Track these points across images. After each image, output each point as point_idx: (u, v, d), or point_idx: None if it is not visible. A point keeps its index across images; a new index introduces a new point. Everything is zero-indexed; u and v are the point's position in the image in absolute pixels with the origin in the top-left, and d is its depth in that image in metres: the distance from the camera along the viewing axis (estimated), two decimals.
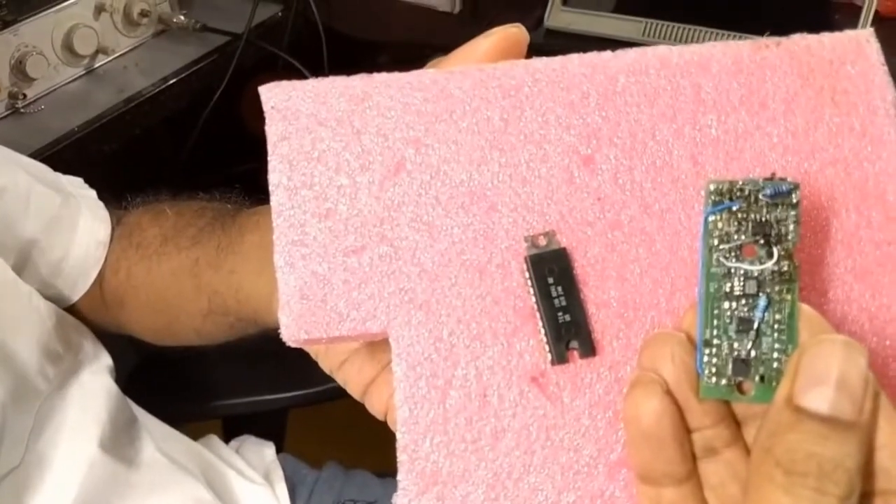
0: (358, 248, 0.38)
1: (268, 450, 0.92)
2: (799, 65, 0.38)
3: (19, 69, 1.04)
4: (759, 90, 0.38)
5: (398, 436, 0.36)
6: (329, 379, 1.02)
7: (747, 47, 0.38)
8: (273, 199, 0.39)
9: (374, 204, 0.38)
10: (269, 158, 0.39)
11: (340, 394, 1.02)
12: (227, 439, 0.91)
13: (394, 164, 0.38)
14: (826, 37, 0.38)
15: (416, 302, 0.37)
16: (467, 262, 0.37)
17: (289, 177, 0.38)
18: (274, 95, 0.39)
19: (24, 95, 1.05)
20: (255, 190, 0.73)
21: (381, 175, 0.38)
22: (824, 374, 0.30)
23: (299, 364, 0.99)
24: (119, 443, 0.74)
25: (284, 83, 0.40)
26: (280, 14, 1.26)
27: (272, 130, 0.39)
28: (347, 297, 0.37)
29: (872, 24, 1.03)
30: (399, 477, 0.36)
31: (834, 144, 0.37)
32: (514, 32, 0.41)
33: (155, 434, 0.79)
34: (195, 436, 0.85)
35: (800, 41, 0.38)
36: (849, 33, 0.38)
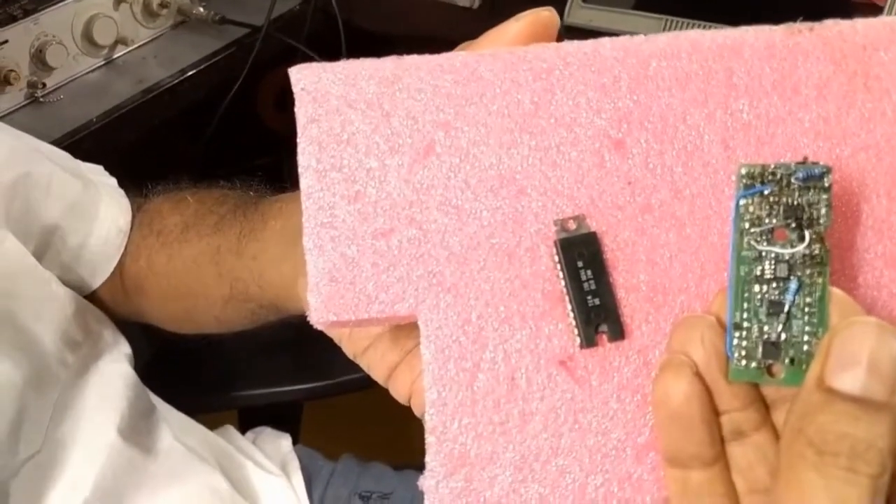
0: (387, 231, 0.38)
1: (284, 441, 0.92)
2: (832, 50, 0.37)
3: (39, 58, 1.04)
4: (791, 75, 0.37)
5: (426, 417, 0.36)
6: (345, 371, 1.02)
7: (780, 32, 0.38)
8: (302, 181, 0.38)
9: (404, 187, 0.38)
10: (298, 140, 0.39)
11: (356, 386, 1.03)
12: (242, 431, 0.91)
13: (423, 147, 0.38)
14: (859, 22, 0.38)
15: (444, 285, 0.37)
16: (496, 245, 0.37)
17: (318, 159, 0.38)
18: (304, 77, 0.39)
19: (44, 85, 1.05)
20: (274, 180, 0.74)
21: (411, 158, 0.38)
22: (856, 356, 0.30)
23: (315, 356, 1.00)
24: (137, 430, 0.74)
25: (314, 65, 0.39)
26: (299, 7, 1.26)
27: (301, 112, 0.39)
28: (376, 280, 0.37)
29: None
30: (427, 458, 0.36)
31: (866, 130, 0.37)
32: (545, 16, 0.41)
33: (173, 423, 0.79)
34: (211, 426, 0.85)
35: (833, 27, 0.38)
36: (883, 19, 0.38)
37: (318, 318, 0.38)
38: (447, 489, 0.36)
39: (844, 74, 0.37)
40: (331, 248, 0.38)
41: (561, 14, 1.14)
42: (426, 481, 0.36)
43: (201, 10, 1.20)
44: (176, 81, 1.12)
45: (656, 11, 1.13)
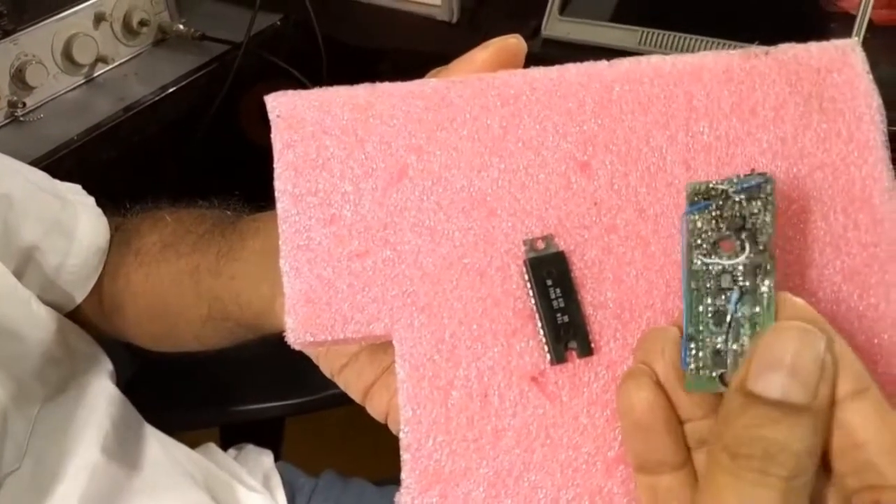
0: (362, 253, 0.39)
1: (266, 458, 0.92)
2: (787, 73, 0.39)
3: (19, 78, 1.04)
4: (749, 98, 0.39)
5: (401, 435, 0.37)
6: (326, 387, 1.02)
7: (737, 56, 0.39)
8: (279, 205, 0.39)
9: (378, 209, 0.39)
10: (275, 166, 0.40)
11: (337, 402, 1.03)
12: (224, 447, 0.91)
13: (396, 171, 0.39)
14: (813, 46, 0.39)
15: (418, 304, 0.38)
16: (468, 265, 0.38)
17: (294, 184, 0.39)
18: (280, 104, 0.40)
19: (24, 104, 1.05)
20: (254, 198, 0.74)
21: (385, 181, 0.39)
22: (777, 360, 0.31)
23: (296, 372, 1.00)
24: (122, 447, 0.74)
25: (290, 92, 0.41)
26: (279, 23, 1.27)
27: (278, 139, 0.40)
28: (352, 301, 0.38)
29: (867, 33, 1.03)
30: (402, 475, 0.37)
31: (822, 149, 0.38)
32: (512, 43, 0.43)
33: (157, 440, 0.79)
34: (192, 445, 0.85)
35: (787, 50, 0.39)
36: (835, 42, 0.39)
37: (296, 338, 0.38)
38: None
39: (800, 96, 0.39)
40: (307, 270, 0.39)
41: (538, 27, 1.16)
42: (402, 498, 0.37)
43: (181, 27, 1.20)
44: (157, 98, 1.12)
45: (633, 24, 1.13)
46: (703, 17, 1.12)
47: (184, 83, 1.16)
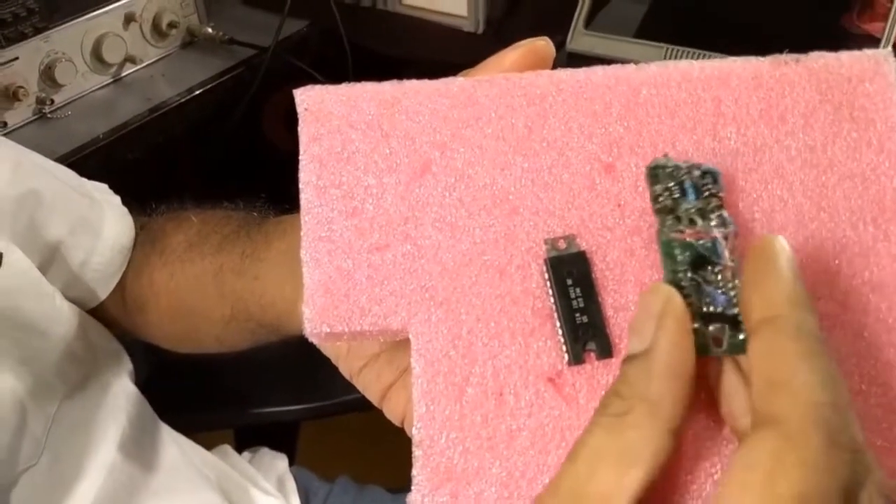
0: (382, 246, 0.39)
1: (281, 462, 0.92)
2: (818, 81, 0.39)
3: (48, 75, 1.05)
4: (778, 104, 0.39)
5: (414, 431, 0.37)
6: (342, 392, 1.02)
7: (767, 63, 0.39)
8: (302, 196, 0.40)
9: (400, 204, 0.39)
10: (300, 158, 0.40)
11: (353, 407, 1.03)
12: (239, 450, 0.92)
13: (420, 166, 0.39)
14: (844, 55, 0.39)
15: (436, 299, 0.38)
16: (488, 262, 0.38)
17: (318, 175, 0.40)
18: (307, 98, 0.41)
19: (52, 101, 1.07)
20: (278, 201, 0.74)
21: (408, 176, 0.39)
22: (630, 326, 0.34)
23: (314, 376, 1.00)
24: (139, 446, 0.74)
25: (318, 87, 0.41)
26: (307, 29, 1.28)
27: (304, 131, 0.40)
28: (370, 293, 0.38)
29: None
30: (413, 472, 0.36)
31: (852, 159, 0.38)
32: (541, 46, 0.43)
33: (173, 440, 0.79)
34: (207, 447, 0.85)
35: (818, 59, 0.39)
36: (867, 52, 0.39)
37: (312, 328, 0.39)
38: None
39: (830, 104, 0.38)
40: (327, 261, 0.39)
41: (563, 40, 1.16)
42: (412, 495, 0.36)
43: (210, 30, 1.21)
44: (183, 100, 1.13)
45: (657, 40, 1.14)
46: (727, 35, 1.12)
47: (210, 86, 1.16)
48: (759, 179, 0.38)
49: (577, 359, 0.37)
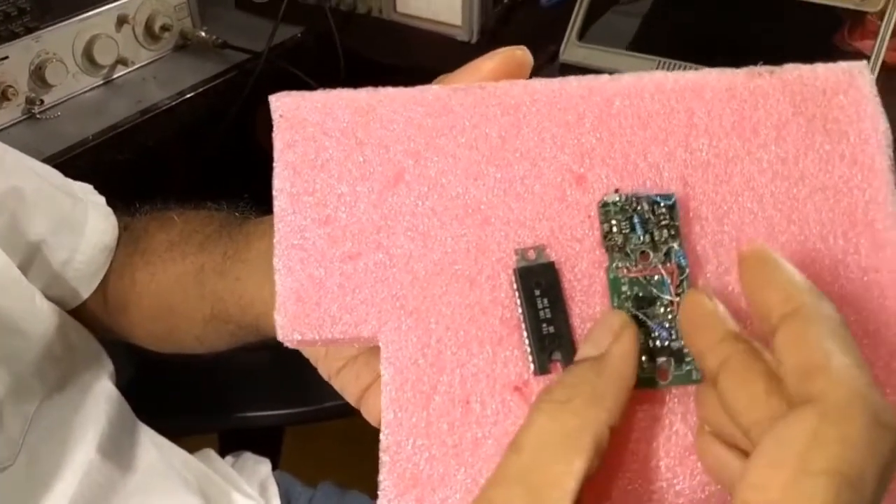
0: (354, 255, 0.39)
1: (263, 466, 0.92)
2: (791, 93, 0.39)
3: (38, 75, 1.05)
4: (751, 116, 0.39)
5: (381, 437, 0.37)
6: (326, 398, 1.01)
7: (741, 75, 0.40)
8: (276, 203, 0.40)
9: (373, 212, 0.39)
10: (274, 165, 0.40)
11: (337, 413, 1.02)
12: (222, 454, 0.91)
13: (393, 175, 0.39)
14: (820, 67, 0.39)
15: (406, 308, 0.38)
16: (459, 272, 0.38)
17: (292, 183, 0.40)
18: (283, 105, 0.41)
19: (42, 101, 1.07)
20: (265, 204, 0.74)
21: (381, 185, 0.39)
22: (587, 337, 0.37)
23: (298, 381, 1.00)
24: (118, 448, 0.74)
25: (294, 93, 0.41)
26: (301, 35, 1.28)
27: (279, 138, 0.40)
28: (341, 301, 0.38)
29: (880, 74, 1.03)
30: (380, 477, 0.37)
31: (824, 171, 0.38)
32: (518, 55, 0.43)
33: (154, 442, 0.79)
34: (190, 450, 0.85)
35: (793, 71, 0.39)
36: (842, 65, 0.39)
37: (284, 336, 0.39)
38: None
39: (804, 117, 0.39)
40: (299, 269, 0.39)
41: (557, 52, 1.16)
42: (379, 501, 0.37)
43: (203, 34, 1.21)
44: (174, 103, 1.13)
45: (650, 52, 1.14)
46: (719, 50, 1.12)
47: (202, 90, 1.16)
48: (729, 191, 0.38)
49: (542, 369, 0.37)
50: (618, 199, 0.38)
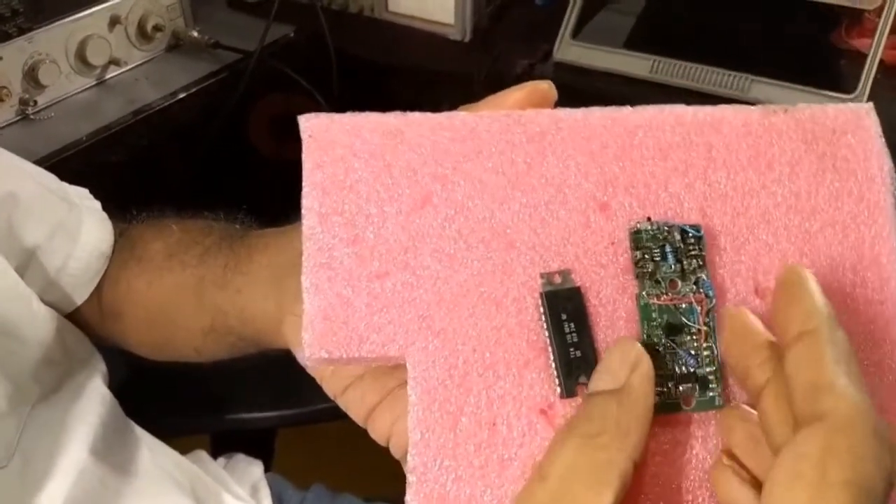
0: (382, 274, 0.39)
1: (256, 468, 0.92)
2: (803, 131, 0.41)
3: (32, 76, 1.05)
4: (766, 152, 0.40)
5: (409, 457, 0.38)
6: (319, 400, 1.01)
7: (756, 112, 0.41)
8: (304, 223, 0.40)
9: (400, 233, 0.40)
10: (303, 184, 0.41)
11: (330, 416, 1.03)
12: (214, 455, 0.91)
13: (421, 198, 0.40)
14: (830, 108, 0.41)
15: (433, 329, 0.39)
16: (485, 294, 0.39)
17: (321, 203, 0.40)
18: (312, 126, 0.41)
19: (35, 102, 1.06)
20: (258, 206, 0.74)
21: (409, 206, 0.40)
22: (601, 366, 0.37)
23: (291, 383, 1.00)
24: (111, 450, 0.74)
25: (322, 115, 0.42)
26: (293, 35, 1.28)
27: (308, 158, 0.41)
28: (369, 321, 0.39)
29: (877, 73, 1.04)
30: (407, 498, 0.37)
31: (834, 207, 0.40)
32: (543, 88, 0.44)
33: (147, 444, 0.79)
34: (183, 451, 0.85)
35: (805, 109, 0.41)
36: (850, 106, 0.41)
37: (312, 354, 0.39)
38: None
39: (815, 154, 0.40)
40: (327, 288, 0.39)
41: (550, 50, 1.17)
42: None
43: (195, 34, 1.21)
44: (167, 104, 1.13)
45: (645, 51, 1.14)
46: (715, 48, 1.13)
47: (195, 90, 1.16)
48: (746, 224, 0.40)
49: (569, 392, 0.38)
50: (649, 227, 0.39)
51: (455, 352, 0.38)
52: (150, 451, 0.79)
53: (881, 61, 1.06)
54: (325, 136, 0.41)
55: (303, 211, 0.40)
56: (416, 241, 0.40)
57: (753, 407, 0.37)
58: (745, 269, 0.39)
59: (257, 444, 1.05)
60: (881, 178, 0.40)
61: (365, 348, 0.39)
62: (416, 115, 0.41)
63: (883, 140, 0.41)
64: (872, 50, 1.05)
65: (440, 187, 0.40)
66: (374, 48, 1.29)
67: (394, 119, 0.41)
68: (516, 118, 0.41)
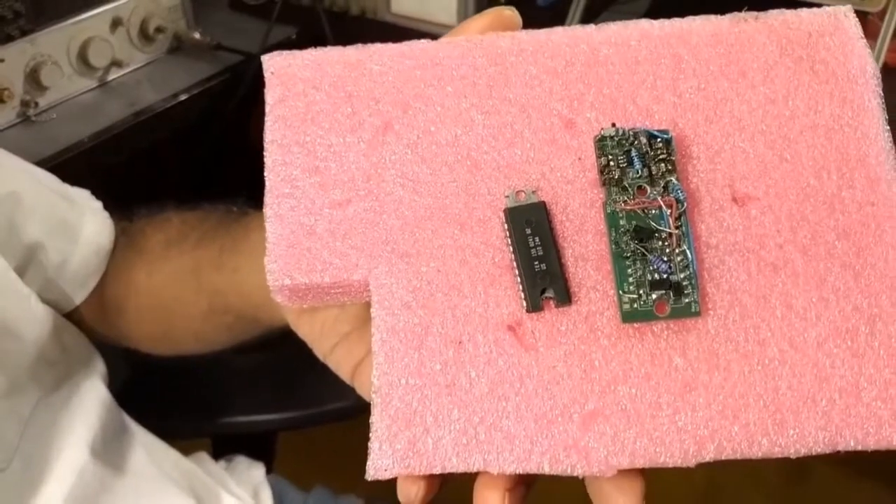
0: (344, 202, 0.39)
1: (257, 470, 0.91)
2: (777, 36, 0.39)
3: (33, 78, 1.06)
4: (738, 60, 0.39)
5: (373, 379, 0.37)
6: (320, 402, 1.01)
7: (726, 21, 0.40)
8: (266, 156, 0.40)
9: (363, 162, 0.39)
10: (265, 119, 0.41)
11: (331, 418, 1.02)
12: (216, 457, 0.91)
13: (382, 125, 0.40)
14: (804, 11, 0.40)
15: (397, 252, 0.38)
16: (449, 215, 0.38)
17: (283, 135, 0.40)
18: (274, 63, 0.42)
19: (37, 104, 1.07)
20: (260, 204, 0.74)
21: (370, 135, 0.40)
22: None
23: (291, 386, 0.99)
24: (110, 450, 0.74)
25: (285, 52, 0.42)
26: (295, 36, 1.28)
27: (270, 93, 0.41)
28: (331, 247, 0.38)
29: (881, 75, 1.03)
30: (372, 419, 0.37)
31: (814, 110, 0.38)
32: (507, 14, 0.43)
33: (147, 445, 0.79)
34: (185, 452, 0.85)
35: (777, 16, 0.40)
36: (826, 9, 0.40)
37: (274, 281, 0.39)
38: (390, 450, 0.36)
39: (790, 59, 0.39)
40: (290, 217, 0.39)
41: None
42: (371, 443, 0.36)
43: (197, 36, 1.21)
44: (168, 105, 1.14)
45: None
46: None
47: (196, 91, 1.17)
48: (720, 132, 0.38)
49: (535, 306, 0.37)
50: (614, 133, 0.38)
51: (419, 273, 0.38)
52: (150, 451, 0.78)
53: (885, 64, 1.05)
54: (286, 71, 0.41)
55: (265, 145, 0.40)
56: (378, 168, 0.39)
57: None
58: (720, 178, 0.38)
59: (259, 447, 1.05)
60: (864, 79, 0.39)
61: (328, 273, 0.38)
62: (377, 46, 0.41)
63: (865, 41, 0.39)
64: (875, 52, 1.05)
65: (402, 114, 0.40)
66: None
67: (355, 51, 0.41)
68: (478, 42, 0.41)
